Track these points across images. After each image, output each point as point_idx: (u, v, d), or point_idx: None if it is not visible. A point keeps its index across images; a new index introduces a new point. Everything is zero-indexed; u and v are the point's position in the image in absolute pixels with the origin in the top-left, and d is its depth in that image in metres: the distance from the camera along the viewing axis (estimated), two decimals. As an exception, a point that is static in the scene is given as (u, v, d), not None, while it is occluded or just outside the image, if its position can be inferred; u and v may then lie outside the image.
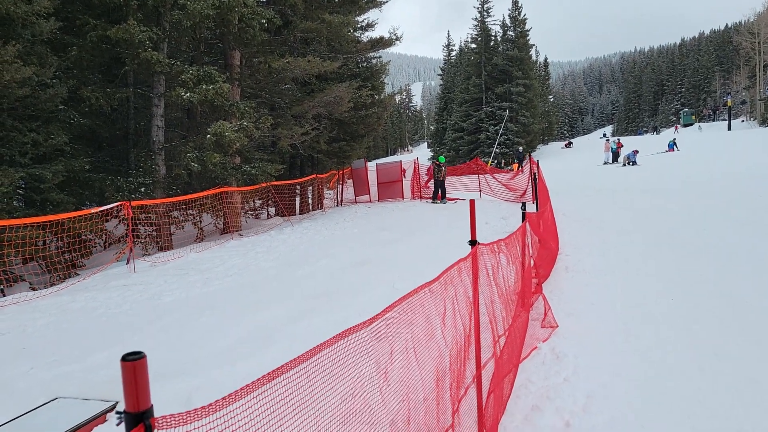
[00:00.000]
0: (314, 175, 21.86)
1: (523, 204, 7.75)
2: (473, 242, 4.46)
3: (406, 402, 3.05)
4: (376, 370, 2.62)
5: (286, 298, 9.06)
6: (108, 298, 9.46)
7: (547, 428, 4.60)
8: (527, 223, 7.50)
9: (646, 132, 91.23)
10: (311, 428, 2.11)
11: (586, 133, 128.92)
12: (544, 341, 6.45)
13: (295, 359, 1.82)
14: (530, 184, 17.43)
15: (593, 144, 63.70)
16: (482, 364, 4.25)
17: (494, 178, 20.49)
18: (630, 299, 7.91)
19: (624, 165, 32.32)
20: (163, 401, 5.20)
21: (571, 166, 39.23)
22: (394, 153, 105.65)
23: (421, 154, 70.25)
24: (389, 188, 22.32)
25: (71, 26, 14.20)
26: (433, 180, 20.98)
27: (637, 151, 34.01)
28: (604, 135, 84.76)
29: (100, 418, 4.86)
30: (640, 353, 6.02)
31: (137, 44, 13.35)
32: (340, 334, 2.16)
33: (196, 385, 5.54)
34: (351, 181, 23.91)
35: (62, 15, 13.76)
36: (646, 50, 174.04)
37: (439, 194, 20.15)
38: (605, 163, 37.37)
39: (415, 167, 22.44)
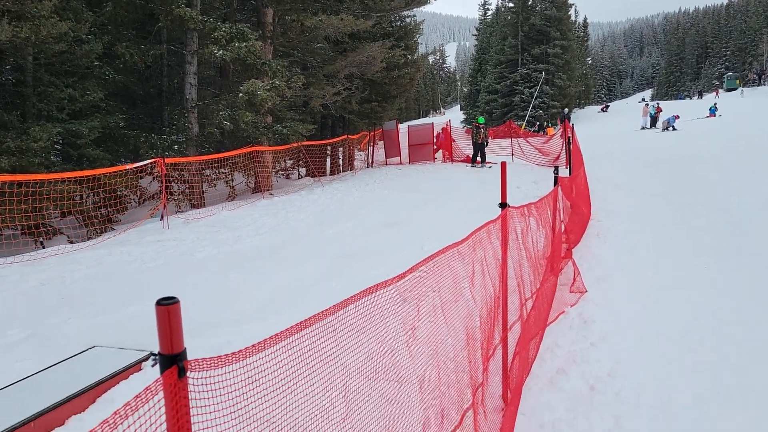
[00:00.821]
0: (345, 136, 21.80)
1: (556, 168, 7.64)
2: (503, 205, 4.42)
3: (435, 359, 3.07)
4: (403, 328, 2.64)
5: (316, 257, 9.16)
6: (142, 253, 9.69)
7: (571, 391, 4.61)
8: (559, 188, 7.40)
9: (687, 96, 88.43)
10: (338, 380, 2.14)
11: (625, 97, 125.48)
12: (572, 306, 6.43)
13: (322, 311, 1.85)
14: (564, 148, 17.12)
15: (631, 108, 62.10)
16: (509, 326, 4.25)
17: (527, 141, 20.17)
18: (662, 266, 7.79)
19: (663, 130, 31.39)
20: (194, 354, 5.36)
21: (607, 130, 38.34)
22: (426, 115, 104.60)
23: (453, 117, 69.42)
24: (420, 150, 22.17)
25: (106, -18, 14.24)
26: (471, 142, 20.02)
27: (677, 116, 33.00)
28: (643, 99, 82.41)
29: (135, 366, 5.03)
30: (668, 320, 5.96)
31: (170, 0, 13.33)
32: (367, 289, 2.17)
33: (228, 339, 5.67)
34: (382, 142, 23.81)
35: (97, -30, 13.80)
36: (690, 11, 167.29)
37: (478, 159, 19.49)
38: (643, 128, 36.43)
39: (445, 130, 22.20)
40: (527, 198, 12.61)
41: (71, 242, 11.74)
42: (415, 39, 25.25)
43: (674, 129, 31.02)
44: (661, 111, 38.12)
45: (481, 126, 19.38)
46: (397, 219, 12.00)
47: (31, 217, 10.50)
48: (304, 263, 8.80)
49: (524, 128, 31.78)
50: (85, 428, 4.30)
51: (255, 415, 1.64)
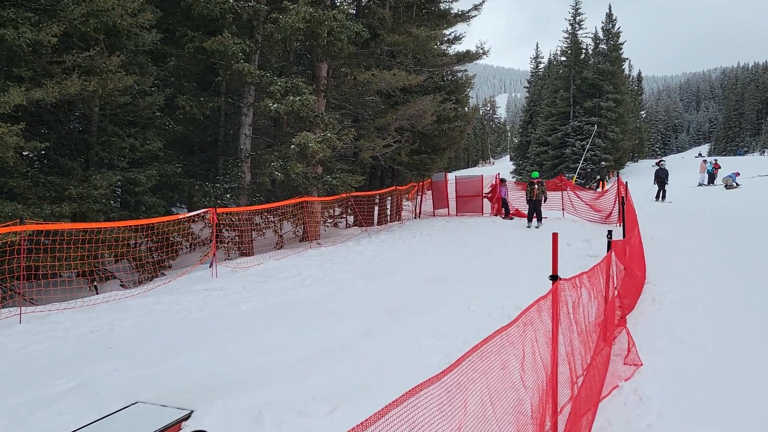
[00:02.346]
0: (394, 187, 21.92)
1: (609, 232, 7.41)
2: (554, 277, 4.27)
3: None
4: (449, 428, 2.50)
5: (360, 312, 9.07)
6: (190, 302, 9.80)
7: (626, 479, 4.32)
8: (611, 253, 7.15)
9: (747, 152, 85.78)
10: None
11: (680, 151, 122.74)
12: (626, 380, 6.10)
13: (360, 424, 1.75)
14: (617, 206, 16.71)
15: (687, 163, 60.56)
16: (560, 409, 4.04)
17: (578, 197, 19.80)
18: (723, 337, 7.37)
19: (726, 187, 30.22)
20: (234, 415, 5.29)
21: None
22: (475, 164, 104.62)
23: (502, 167, 69.17)
24: (469, 202, 22.05)
25: (171, 37, 14.92)
26: (526, 200, 18.51)
27: (738, 173, 31.90)
28: (700, 154, 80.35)
29: (175, 426, 4.99)
30: (732, 401, 5.57)
31: (231, 56, 13.84)
32: (410, 391, 2.07)
33: (267, 400, 5.59)
34: (430, 193, 23.81)
35: (163, 27, 14.48)
36: (750, 66, 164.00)
37: (534, 216, 18.11)
38: (700, 184, 35.37)
39: (495, 183, 22.05)
40: (577, 257, 12.32)
41: (123, 287, 12.01)
42: (466, 92, 25.48)
43: (737, 185, 29.87)
44: (720, 168, 37.02)
45: (535, 181, 18.13)
46: (444, 274, 11.84)
47: (87, 263, 10.81)
48: (348, 318, 8.71)
49: (575, 181, 31.29)
50: (121, 490, 4.25)
51: None
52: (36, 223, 9.16)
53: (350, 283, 11.33)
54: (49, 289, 10.13)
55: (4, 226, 8.44)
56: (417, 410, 2.13)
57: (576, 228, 16.33)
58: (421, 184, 23.77)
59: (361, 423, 1.75)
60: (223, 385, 5.92)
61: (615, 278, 7.30)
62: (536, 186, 18.11)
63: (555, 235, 4.40)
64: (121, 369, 6.63)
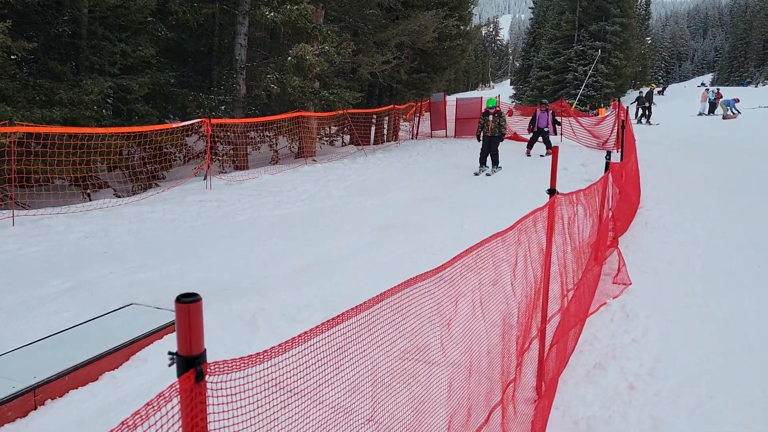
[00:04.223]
0: (392, 106, 21.54)
1: (608, 153, 7.34)
2: (552, 191, 4.24)
3: (468, 355, 2.95)
4: (439, 323, 2.52)
5: (356, 228, 9.11)
6: (184, 212, 9.79)
7: (609, 388, 4.45)
8: (609, 174, 7.11)
9: (751, 83, 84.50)
10: (368, 380, 2.05)
11: (683, 80, 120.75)
12: (614, 298, 6.21)
13: (356, 307, 1.74)
14: (616, 131, 16.57)
15: (689, 92, 59.71)
16: (548, 318, 4.10)
17: (578, 122, 19.55)
18: (712, 262, 7.46)
19: (723, 117, 29.89)
20: (228, 319, 5.38)
21: (663, 114, 37.01)
22: (474, 88, 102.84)
23: (503, 91, 68.03)
24: (467, 124, 21.76)
25: (162, -63, 14.19)
26: (477, 135, 14.67)
27: (737, 99, 31.38)
28: (703, 84, 79.13)
29: (169, 327, 5.08)
30: (717, 321, 5.69)
31: (225, -41, 13.23)
32: (405, 282, 2.06)
33: (261, 306, 5.68)
34: (428, 114, 23.46)
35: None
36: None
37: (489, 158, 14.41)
38: (700, 113, 34.97)
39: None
40: (574, 181, 12.28)
41: (117, 196, 11.95)
42: (469, 10, 24.60)
43: (737, 112, 29.52)
44: (721, 97, 36.49)
45: (490, 111, 13.89)
46: (439, 194, 11.84)
47: (79, 169, 10.69)
48: (343, 233, 8.75)
49: (575, 107, 30.90)
50: (118, 385, 4.37)
51: (276, 420, 1.56)
52: (26, 125, 8.98)
53: (346, 199, 11.32)
54: (42, 194, 10.07)
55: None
56: (411, 301, 2.14)
57: (574, 153, 16.22)
58: (419, 104, 23.37)
59: (357, 306, 1.74)
60: (217, 291, 5.99)
61: (610, 200, 7.30)
62: (491, 117, 13.73)
63: (555, 149, 4.35)
64: (115, 273, 6.68)
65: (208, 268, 7.03)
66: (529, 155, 16.46)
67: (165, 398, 1.18)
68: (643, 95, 30.18)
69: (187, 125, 12.44)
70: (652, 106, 29.56)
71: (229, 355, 4.13)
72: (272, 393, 1.49)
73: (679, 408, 4.23)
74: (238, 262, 7.30)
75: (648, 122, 28.71)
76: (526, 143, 17.08)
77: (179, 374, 1.20)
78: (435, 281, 2.31)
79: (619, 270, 6.80)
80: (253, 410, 1.45)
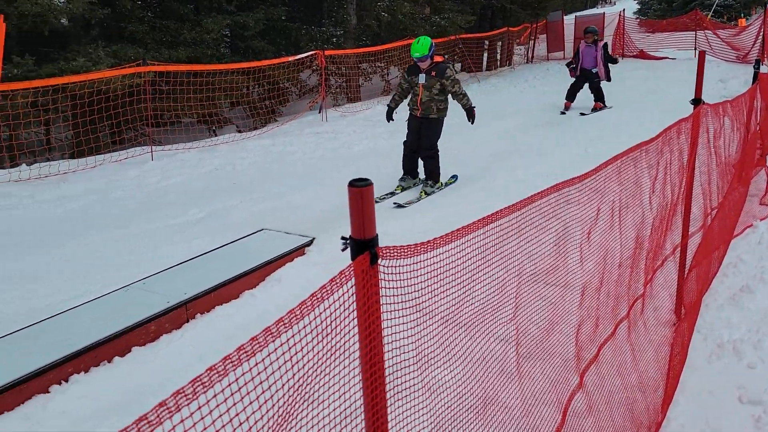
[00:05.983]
0: (505, 29, 20.57)
1: (757, 62, 6.60)
2: (697, 101, 3.87)
3: (601, 266, 2.84)
4: (580, 230, 2.42)
5: (471, 155, 8.93)
6: (303, 144, 10.05)
7: (756, 312, 4.13)
8: (758, 85, 6.41)
9: None
10: (512, 279, 2.01)
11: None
12: (761, 219, 5.70)
13: (509, 207, 1.68)
14: (761, 41, 14.90)
15: None
16: (688, 234, 3.83)
17: (715, 34, 17.74)
18: None
19: None
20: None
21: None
22: (594, 5, 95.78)
23: (627, 6, 62.83)
24: (587, 44, 20.39)
25: None
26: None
27: None
28: None
29: (299, 250, 5.30)
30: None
31: None
32: (552, 186, 1.97)
33: (385, 230, 5.74)
34: (545, 36, 22.21)
35: None
36: None
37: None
38: None
39: (619, 22, 20.12)
40: (710, 98, 11.25)
41: (239, 131, 12.47)
42: None
43: None
44: None
45: (423, 66, 7.34)
46: (560, 119, 11.32)
47: (205, 106, 11.23)
48: (460, 163, 8.61)
49: (710, 18, 28.05)
50: (256, 303, 4.64)
51: (434, 309, 1.56)
52: (157, 65, 9.47)
53: (463, 127, 11.08)
54: (174, 131, 10.71)
55: (130, 67, 8.82)
56: (556, 207, 2.05)
57: (711, 68, 14.79)
58: (534, 25, 22.15)
59: (508, 207, 1.68)
60: (342, 217, 6.10)
61: (758, 114, 6.62)
62: (421, 79, 7.37)
63: (702, 53, 3.94)
64: (245, 202, 7.02)
65: (329, 196, 7.19)
66: (566, 111, 11.81)
67: (345, 277, 1.18)
68: None
69: (302, 58, 12.61)
70: None
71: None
72: (434, 282, 1.49)
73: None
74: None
75: None
76: (571, 89, 11.98)
77: (354, 257, 1.19)
78: (580, 188, 2.20)
79: (766, 191, 6.21)
80: (418, 296, 1.46)
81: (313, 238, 5.52)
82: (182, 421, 0.89)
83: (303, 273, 5.05)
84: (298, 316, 1.06)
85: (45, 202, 7.07)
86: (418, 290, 1.46)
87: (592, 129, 10.06)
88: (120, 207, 7.00)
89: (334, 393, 1.29)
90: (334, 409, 1.30)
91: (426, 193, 7.14)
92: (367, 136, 10.57)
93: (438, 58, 7.34)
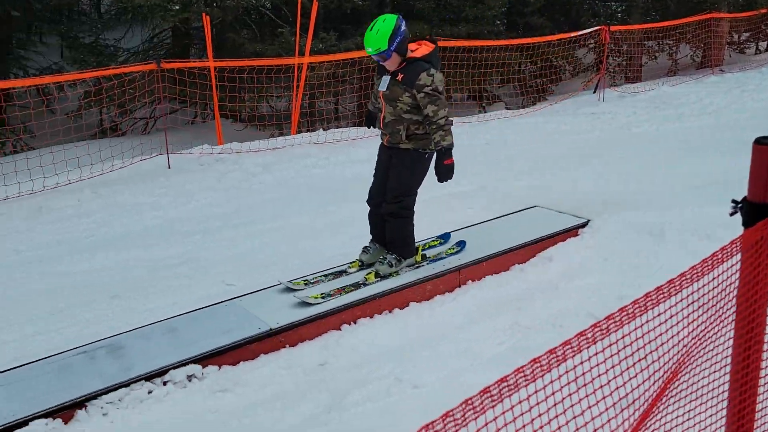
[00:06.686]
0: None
1: None
2: None
3: None
4: None
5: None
6: (578, 123, 9.64)
7: None
8: None
9: None
10: None
11: None
12: None
13: None
14: None
15: None
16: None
17: None
18: None
19: None
20: (632, 230, 5.08)
21: None
22: None
23: None
24: None
25: None
26: None
27: None
28: None
29: (573, 231, 5.09)
30: None
31: None
32: None
33: (668, 220, 5.20)
34: None
35: None
36: None
37: None
38: None
39: None
40: None
41: (507, 109, 12.44)
42: None
43: None
44: None
45: (390, 67, 4.22)
46: None
47: (476, 82, 11.40)
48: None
49: None
50: (525, 278, 4.59)
51: None
52: (443, 40, 9.81)
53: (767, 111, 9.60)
54: (451, 104, 11.08)
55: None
56: None
57: None
58: None
59: None
60: (622, 202, 5.69)
61: None
62: (385, 87, 4.25)
63: None
64: (520, 179, 6.94)
65: (606, 179, 6.79)
66: None
67: (736, 246, 1.03)
68: None
69: (585, 33, 12.04)
70: None
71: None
72: None
73: None
74: (637, 174, 6.86)
75: None
76: None
77: (747, 224, 1.03)
78: None
79: None
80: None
81: (588, 220, 5.24)
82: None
83: (575, 254, 4.84)
84: (688, 281, 0.94)
85: (339, 164, 7.87)
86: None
87: None
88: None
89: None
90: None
91: (377, 276, 4.30)
92: (649, 118, 9.74)
93: (422, 50, 4.23)
